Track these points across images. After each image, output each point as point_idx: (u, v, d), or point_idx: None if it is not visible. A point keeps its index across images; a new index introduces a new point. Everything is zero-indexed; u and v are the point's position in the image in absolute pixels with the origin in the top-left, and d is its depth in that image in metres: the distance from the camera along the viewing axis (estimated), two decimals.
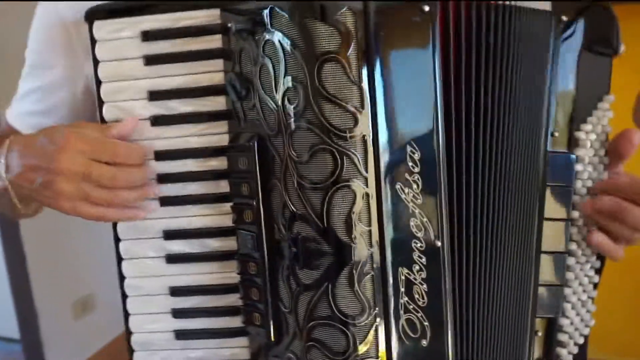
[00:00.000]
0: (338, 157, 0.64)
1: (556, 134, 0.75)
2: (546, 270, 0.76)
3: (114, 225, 0.79)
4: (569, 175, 0.75)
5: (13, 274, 2.48)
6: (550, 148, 0.75)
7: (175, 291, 0.79)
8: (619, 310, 2.31)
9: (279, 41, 0.65)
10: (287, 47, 0.64)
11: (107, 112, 0.76)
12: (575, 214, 0.76)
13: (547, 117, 0.74)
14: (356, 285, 0.66)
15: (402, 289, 0.67)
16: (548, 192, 0.75)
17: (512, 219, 0.73)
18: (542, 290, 0.76)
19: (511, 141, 0.72)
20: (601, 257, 0.79)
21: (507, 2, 0.70)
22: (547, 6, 0.73)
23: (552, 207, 0.75)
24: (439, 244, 0.67)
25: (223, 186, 0.76)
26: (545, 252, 0.76)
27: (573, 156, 0.75)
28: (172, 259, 0.78)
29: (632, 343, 2.38)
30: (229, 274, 0.78)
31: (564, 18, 0.73)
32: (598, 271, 0.80)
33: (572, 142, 0.75)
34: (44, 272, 2.46)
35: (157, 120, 0.76)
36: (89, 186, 0.70)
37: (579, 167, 0.75)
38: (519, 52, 0.71)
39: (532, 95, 0.73)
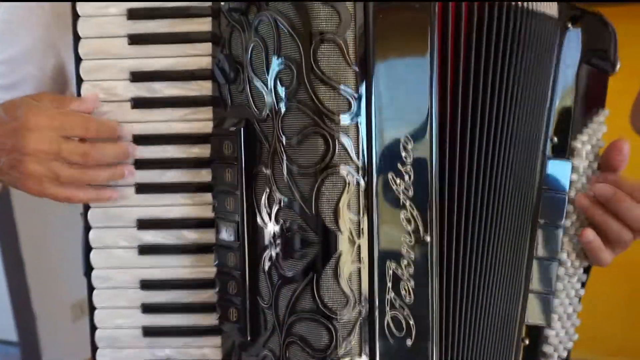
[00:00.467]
0: (330, 140, 0.62)
1: (555, 140, 0.74)
2: (537, 277, 0.74)
3: (85, 212, 0.74)
4: (565, 182, 0.74)
5: (11, 276, 2.43)
6: (549, 154, 0.74)
7: (147, 284, 0.75)
8: (615, 314, 2.30)
9: (275, 20, 0.63)
10: (282, 26, 0.62)
11: (86, 91, 0.73)
12: (568, 222, 0.74)
13: (548, 122, 0.74)
14: (342, 277, 0.63)
15: (389, 284, 0.64)
16: (543, 197, 0.74)
17: (506, 221, 0.72)
18: (532, 297, 0.74)
19: (511, 140, 0.70)
20: (587, 271, 0.78)
21: (519, 3, 0.69)
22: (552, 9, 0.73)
23: (546, 213, 0.74)
24: (428, 239, 0.65)
25: (204, 175, 0.73)
26: (538, 258, 0.74)
27: (570, 163, 0.74)
28: (144, 250, 0.74)
29: (627, 345, 2.36)
30: (204, 268, 0.74)
31: (570, 25, 0.73)
32: (583, 285, 0.79)
33: (568, 151, 0.75)
34: (41, 274, 2.41)
35: (139, 103, 0.73)
36: (58, 165, 0.66)
37: (574, 176, 0.74)
38: (527, 52, 0.70)
39: (533, 99, 0.72)
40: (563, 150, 0.75)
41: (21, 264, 2.42)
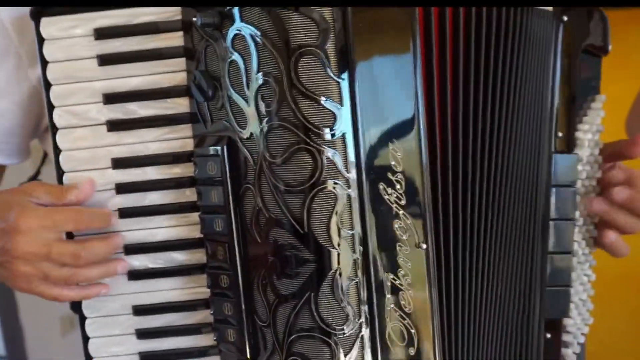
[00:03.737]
0: (318, 157, 0.60)
1: (560, 134, 0.73)
2: (553, 272, 0.74)
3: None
4: (573, 176, 0.74)
5: None
6: (554, 149, 0.74)
7: (139, 310, 0.73)
8: (620, 325, 2.31)
9: (250, 35, 0.61)
10: (259, 40, 0.60)
11: (58, 117, 0.70)
12: (577, 213, 0.74)
13: (551, 118, 0.73)
14: (340, 293, 0.62)
15: (388, 296, 0.63)
16: (552, 193, 0.74)
17: (509, 222, 0.71)
18: (550, 291, 0.74)
19: (510, 140, 0.69)
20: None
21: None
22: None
23: (557, 208, 0.74)
24: (424, 246, 0.64)
25: (188, 195, 0.71)
26: (552, 253, 0.74)
27: (576, 156, 0.74)
28: (134, 275, 0.72)
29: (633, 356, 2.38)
30: (197, 289, 0.72)
31: (565, 18, 0.72)
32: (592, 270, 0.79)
33: (572, 142, 0.74)
34: None
35: (114, 125, 0.70)
36: (48, 265, 0.66)
37: (579, 167, 0.74)
38: (523, 52, 0.69)
39: (535, 95, 0.71)
40: (567, 144, 0.74)
41: None
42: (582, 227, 0.75)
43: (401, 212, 0.63)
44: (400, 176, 0.63)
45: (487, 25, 0.67)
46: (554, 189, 0.73)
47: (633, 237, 0.77)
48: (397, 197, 0.63)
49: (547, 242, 0.73)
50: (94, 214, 0.68)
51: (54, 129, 0.70)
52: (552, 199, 0.73)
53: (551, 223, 0.74)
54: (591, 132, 0.75)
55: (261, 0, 0.60)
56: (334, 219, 0.61)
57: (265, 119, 0.61)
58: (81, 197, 0.68)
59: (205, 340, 0.73)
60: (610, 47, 0.76)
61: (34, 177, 0.85)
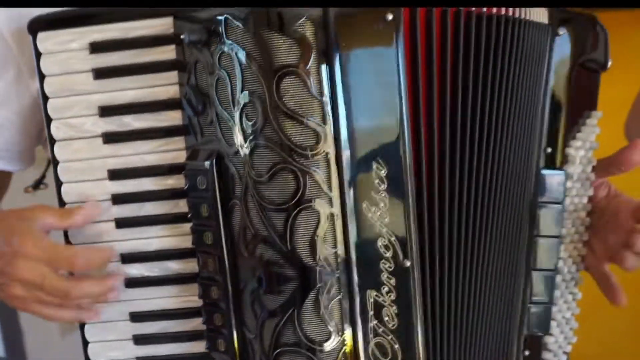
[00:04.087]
0: (300, 176, 0.61)
1: (549, 150, 0.72)
2: (536, 288, 0.74)
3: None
4: (560, 193, 0.73)
5: None
6: (543, 165, 0.73)
7: (136, 316, 0.75)
8: (621, 326, 2.27)
9: (235, 53, 0.61)
10: (244, 59, 0.61)
11: (56, 129, 0.72)
12: (564, 230, 0.74)
13: (541, 133, 0.72)
14: (322, 309, 0.63)
15: (371, 312, 0.64)
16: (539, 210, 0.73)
17: (496, 237, 0.70)
18: (531, 308, 0.74)
19: (501, 155, 0.69)
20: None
21: (505, 14, 0.67)
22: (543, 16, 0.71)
23: (543, 225, 0.73)
24: (407, 263, 0.64)
25: (182, 206, 0.72)
26: (536, 270, 0.73)
27: (564, 173, 0.73)
28: (131, 283, 0.74)
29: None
30: (190, 297, 0.74)
31: (561, 32, 0.71)
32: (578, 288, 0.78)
33: (562, 159, 0.74)
34: None
35: (110, 137, 0.72)
36: (41, 293, 0.67)
37: (568, 183, 0.73)
38: (516, 66, 0.68)
39: (527, 109, 0.71)
40: (556, 159, 0.73)
41: None
42: (570, 245, 0.74)
43: (384, 229, 0.63)
44: (384, 194, 0.63)
45: (477, 35, 0.66)
46: (540, 205, 0.72)
47: None
48: (380, 214, 0.63)
49: (531, 259, 0.73)
50: (92, 255, 0.69)
51: (52, 140, 0.72)
52: (539, 216, 0.72)
53: (537, 239, 0.73)
54: (584, 148, 0.73)
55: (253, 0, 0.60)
56: (317, 237, 0.62)
57: (250, 138, 0.62)
58: (85, 220, 0.70)
59: (199, 347, 0.74)
60: (610, 63, 0.74)
61: (40, 181, 0.87)
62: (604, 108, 0.76)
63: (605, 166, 0.75)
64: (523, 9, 0.68)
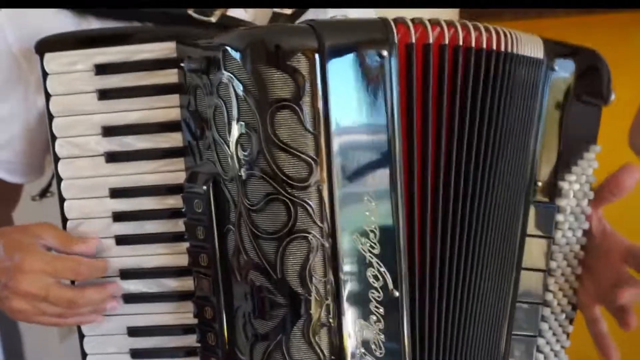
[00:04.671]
0: (292, 207, 0.62)
1: (539, 184, 0.73)
2: (521, 320, 0.74)
3: None
4: (549, 227, 0.73)
5: None
6: (533, 198, 0.73)
7: (134, 331, 0.77)
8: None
9: (232, 85, 0.62)
10: (240, 91, 0.62)
11: (60, 147, 0.74)
12: (554, 264, 0.74)
13: (532, 167, 0.73)
14: (311, 337, 0.64)
15: (359, 340, 0.65)
16: (527, 242, 0.73)
17: (485, 269, 0.71)
18: (515, 340, 0.75)
19: (489, 188, 0.69)
20: (575, 308, 0.77)
21: (497, 49, 0.68)
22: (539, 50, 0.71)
23: (531, 257, 0.74)
24: (397, 294, 0.65)
25: (180, 225, 0.73)
26: (522, 302, 0.74)
27: (554, 206, 0.73)
28: (129, 298, 0.76)
29: None
30: (186, 314, 0.75)
31: (556, 67, 0.71)
32: (571, 321, 0.79)
33: (555, 192, 0.74)
34: None
35: (112, 157, 0.74)
36: (45, 305, 0.70)
37: (560, 217, 0.74)
38: (509, 101, 0.69)
39: (518, 144, 0.71)
40: (548, 194, 0.74)
41: None
42: (560, 278, 0.75)
43: (374, 260, 0.64)
44: (374, 226, 0.64)
45: (476, 71, 0.67)
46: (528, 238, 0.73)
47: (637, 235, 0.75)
48: (370, 246, 0.64)
49: (517, 291, 0.73)
50: (94, 266, 0.72)
51: (56, 158, 0.74)
52: (527, 248, 0.73)
53: (524, 272, 0.73)
54: (579, 182, 0.73)
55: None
56: (307, 266, 0.63)
57: (244, 167, 0.63)
58: (86, 252, 0.72)
59: None
60: (612, 97, 0.73)
61: (46, 190, 0.90)
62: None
63: (598, 194, 0.75)
64: (517, 43, 0.68)
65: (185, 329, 0.76)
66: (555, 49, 0.72)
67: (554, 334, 0.77)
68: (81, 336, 0.78)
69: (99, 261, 0.73)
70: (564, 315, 0.77)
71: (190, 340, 0.76)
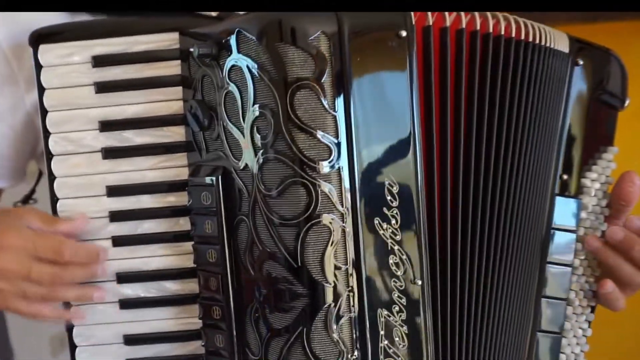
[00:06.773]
0: (312, 190, 0.60)
1: (565, 177, 0.73)
2: (546, 317, 0.73)
3: None
4: (573, 220, 0.73)
5: None
6: (558, 191, 0.73)
7: (130, 340, 0.72)
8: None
9: (247, 67, 0.60)
10: (256, 73, 0.60)
11: (54, 143, 0.70)
12: (576, 261, 0.73)
13: (557, 159, 0.73)
14: (333, 328, 0.61)
15: (382, 332, 0.63)
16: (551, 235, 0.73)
17: (510, 260, 0.70)
18: (540, 337, 0.73)
19: (516, 179, 0.69)
20: (593, 310, 0.77)
21: (525, 39, 0.68)
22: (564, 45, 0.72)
23: (555, 251, 0.73)
24: (419, 282, 0.63)
25: (182, 224, 0.70)
26: (546, 297, 0.73)
27: (579, 201, 0.73)
28: (126, 304, 0.71)
29: None
30: (188, 319, 0.71)
31: (580, 62, 0.72)
32: (589, 324, 0.77)
33: (578, 189, 0.74)
34: None
35: (110, 153, 0.70)
36: (26, 284, 0.65)
37: (582, 214, 0.74)
38: (535, 92, 0.69)
39: (544, 136, 0.71)
40: (571, 188, 0.74)
41: None
42: (581, 278, 0.74)
43: (396, 247, 0.63)
44: (395, 211, 0.62)
45: (495, 58, 0.67)
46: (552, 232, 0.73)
47: None
48: (392, 232, 0.62)
49: (542, 285, 0.72)
50: (78, 248, 0.67)
51: (49, 155, 0.70)
52: (552, 242, 0.72)
53: (548, 267, 0.73)
54: (599, 182, 0.74)
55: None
56: (327, 253, 0.60)
57: (261, 151, 0.61)
58: (71, 230, 0.68)
59: None
60: (627, 102, 0.75)
61: (29, 196, 0.85)
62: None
63: (612, 210, 0.75)
64: (546, 35, 0.69)
65: (187, 336, 0.72)
66: (579, 45, 0.73)
67: (575, 336, 0.75)
68: (73, 346, 0.72)
69: (86, 244, 0.69)
70: (584, 317, 0.75)
71: (193, 347, 0.72)
